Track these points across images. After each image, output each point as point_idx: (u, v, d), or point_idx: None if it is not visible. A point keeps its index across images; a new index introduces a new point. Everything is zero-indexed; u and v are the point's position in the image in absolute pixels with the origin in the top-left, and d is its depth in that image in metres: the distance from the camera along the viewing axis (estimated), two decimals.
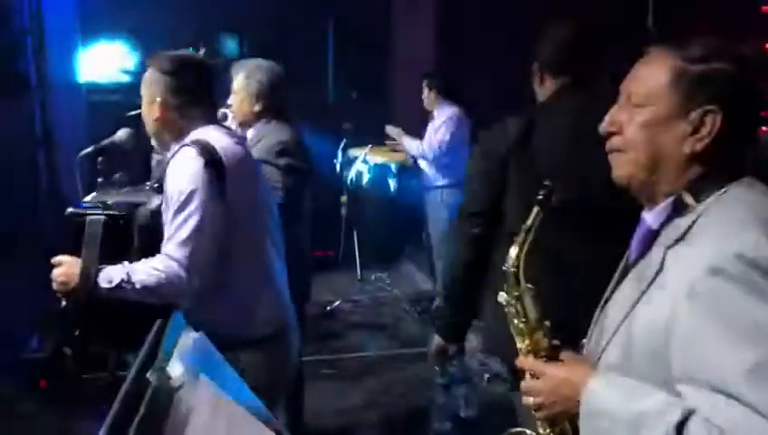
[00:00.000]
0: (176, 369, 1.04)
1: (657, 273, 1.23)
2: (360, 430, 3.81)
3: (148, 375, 1.00)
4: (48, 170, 6.43)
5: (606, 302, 1.41)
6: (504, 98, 4.71)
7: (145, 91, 2.21)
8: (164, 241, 2.05)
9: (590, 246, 2.07)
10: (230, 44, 7.28)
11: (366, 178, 5.95)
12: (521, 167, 2.18)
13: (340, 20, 6.76)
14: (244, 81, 3.07)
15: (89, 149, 2.42)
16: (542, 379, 1.35)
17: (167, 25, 6.97)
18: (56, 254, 2.11)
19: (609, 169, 1.39)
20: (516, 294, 1.42)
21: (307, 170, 3.15)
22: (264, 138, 3.03)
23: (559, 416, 1.36)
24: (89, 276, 2.00)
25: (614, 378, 1.26)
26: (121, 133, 2.40)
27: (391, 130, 5.62)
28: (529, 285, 1.42)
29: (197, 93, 2.20)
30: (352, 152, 6.18)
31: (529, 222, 1.42)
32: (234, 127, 3.23)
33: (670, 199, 1.27)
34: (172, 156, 2.13)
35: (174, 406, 0.94)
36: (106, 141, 2.40)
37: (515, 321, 1.43)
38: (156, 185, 2.23)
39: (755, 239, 1.13)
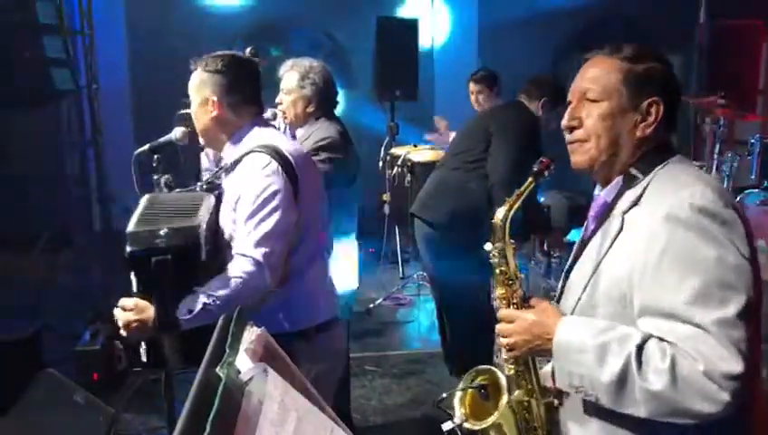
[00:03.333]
0: (244, 363, 1.05)
1: (618, 233, 1.47)
2: (403, 428, 3.81)
3: (217, 370, 1.02)
4: (97, 167, 6.59)
5: (569, 269, 1.63)
6: None
7: (195, 93, 2.22)
8: (237, 241, 2.06)
9: None
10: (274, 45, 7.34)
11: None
12: None
13: (382, 19, 6.77)
14: (298, 82, 3.07)
15: (144, 148, 2.43)
16: (515, 322, 1.55)
17: (213, 25, 7.10)
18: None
19: None
20: (500, 246, 1.60)
21: (354, 167, 3.17)
22: (311, 135, 3.06)
23: (528, 354, 1.57)
24: (166, 313, 1.92)
25: (581, 318, 1.50)
26: (177, 131, 2.43)
27: (439, 121, 5.63)
28: (511, 241, 1.61)
29: (249, 92, 2.23)
30: (395, 151, 6.18)
31: (521, 188, 1.60)
32: (282, 125, 3.26)
33: (620, 176, 1.53)
34: (236, 160, 2.15)
35: (245, 400, 0.96)
36: (162, 139, 2.42)
37: (496, 270, 1.61)
38: (205, 186, 2.25)
39: (702, 190, 1.40)
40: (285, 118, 3.15)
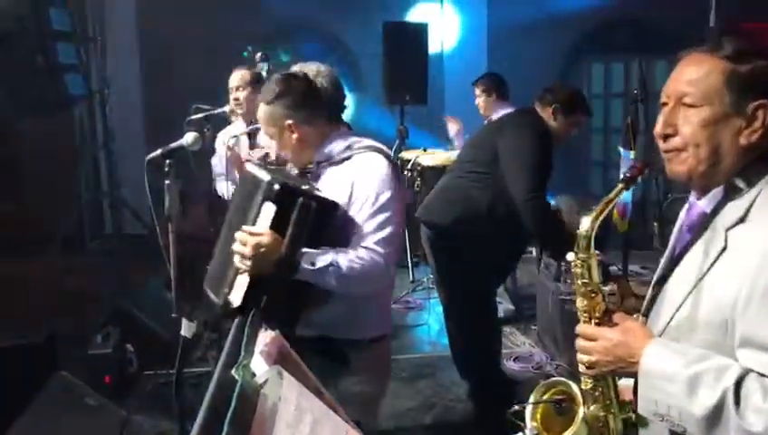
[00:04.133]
0: (259, 366, 1.07)
1: (721, 252, 1.33)
2: (413, 432, 3.81)
3: (233, 372, 1.03)
4: (109, 171, 6.65)
5: (661, 280, 1.50)
6: None
7: (271, 127, 2.23)
8: (361, 236, 2.09)
9: None
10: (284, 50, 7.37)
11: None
12: None
13: (390, 24, 6.79)
14: None
15: (156, 153, 2.44)
16: (597, 342, 1.44)
17: (223, 31, 7.12)
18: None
19: None
20: (584, 256, 1.48)
21: None
22: None
23: (610, 374, 1.46)
24: (294, 254, 1.95)
25: (672, 343, 1.37)
26: (188, 137, 2.45)
27: (451, 121, 5.66)
28: (597, 252, 1.49)
29: (313, 97, 2.26)
30: (405, 154, 6.19)
31: (611, 195, 1.47)
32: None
33: (721, 186, 1.38)
34: (345, 157, 2.20)
35: (260, 402, 0.97)
36: (174, 145, 2.44)
37: (578, 281, 1.50)
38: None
39: None
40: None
